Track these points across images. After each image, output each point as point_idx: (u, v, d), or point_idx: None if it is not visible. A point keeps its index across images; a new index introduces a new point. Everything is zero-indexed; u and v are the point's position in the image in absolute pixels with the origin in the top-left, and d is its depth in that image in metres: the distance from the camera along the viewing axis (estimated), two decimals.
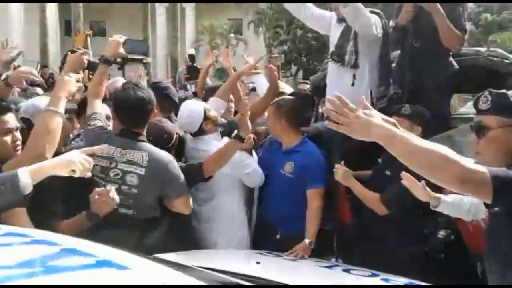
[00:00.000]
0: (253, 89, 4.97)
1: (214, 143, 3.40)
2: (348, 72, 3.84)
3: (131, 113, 2.92)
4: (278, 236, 3.40)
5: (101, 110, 3.08)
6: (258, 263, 2.84)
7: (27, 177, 1.93)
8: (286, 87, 4.75)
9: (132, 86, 2.96)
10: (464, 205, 2.74)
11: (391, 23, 3.88)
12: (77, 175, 2.08)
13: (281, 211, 3.42)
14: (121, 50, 3.15)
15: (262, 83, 4.37)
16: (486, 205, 1.90)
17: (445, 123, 3.77)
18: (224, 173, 3.27)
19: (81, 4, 19.95)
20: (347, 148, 3.48)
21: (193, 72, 6.34)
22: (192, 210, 3.14)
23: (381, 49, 3.85)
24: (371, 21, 3.69)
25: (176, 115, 3.65)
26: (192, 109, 3.42)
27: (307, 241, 3.23)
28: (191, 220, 3.37)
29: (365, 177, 3.44)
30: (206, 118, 3.38)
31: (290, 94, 4.08)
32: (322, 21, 4.14)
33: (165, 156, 2.94)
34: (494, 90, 1.98)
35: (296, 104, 3.57)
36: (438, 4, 3.60)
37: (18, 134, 2.45)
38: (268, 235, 3.46)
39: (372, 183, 3.32)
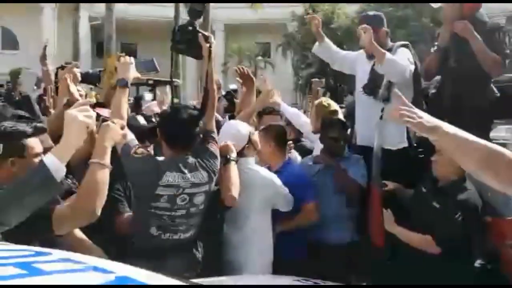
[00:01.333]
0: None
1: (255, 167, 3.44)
2: (378, 105, 3.85)
3: (183, 137, 2.93)
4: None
5: (132, 135, 2.97)
6: None
7: (55, 161, 1.93)
8: (334, 105, 4.57)
9: (182, 107, 3.07)
10: None
11: (433, 48, 3.84)
12: (91, 129, 2.09)
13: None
14: (133, 71, 3.08)
15: (288, 110, 4.65)
16: None
17: None
18: (259, 194, 3.29)
19: (113, 26, 20.40)
20: (386, 169, 3.44)
21: (232, 106, 6.47)
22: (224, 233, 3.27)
23: (414, 85, 3.85)
24: (405, 67, 3.73)
25: None
26: (239, 129, 3.42)
27: None
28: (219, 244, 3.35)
29: (406, 194, 3.36)
30: (249, 141, 3.39)
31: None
32: (347, 62, 4.44)
33: (210, 159, 2.99)
34: None
35: (284, 129, 3.88)
36: (472, 28, 3.54)
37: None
38: None
39: (416, 214, 3.22)
